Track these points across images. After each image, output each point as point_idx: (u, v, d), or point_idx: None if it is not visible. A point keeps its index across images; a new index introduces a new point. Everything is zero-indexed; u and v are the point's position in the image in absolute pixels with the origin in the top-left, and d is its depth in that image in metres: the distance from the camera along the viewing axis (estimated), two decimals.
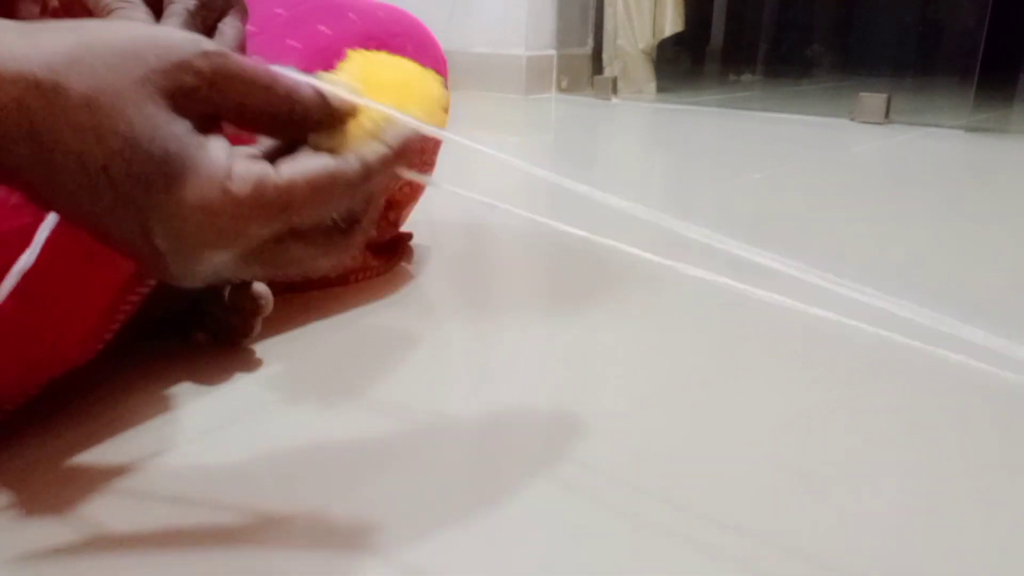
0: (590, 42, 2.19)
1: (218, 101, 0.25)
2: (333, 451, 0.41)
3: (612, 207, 0.29)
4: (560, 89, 2.13)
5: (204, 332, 0.53)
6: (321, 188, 0.25)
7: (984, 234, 0.89)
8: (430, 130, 0.27)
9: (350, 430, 0.44)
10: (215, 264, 0.26)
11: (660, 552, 0.34)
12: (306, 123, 0.27)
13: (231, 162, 0.25)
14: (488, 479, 0.40)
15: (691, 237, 0.29)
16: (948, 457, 0.42)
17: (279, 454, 0.41)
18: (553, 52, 2.10)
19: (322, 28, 0.56)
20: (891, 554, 0.34)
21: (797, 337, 0.58)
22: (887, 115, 1.66)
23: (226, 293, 0.50)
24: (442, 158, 0.67)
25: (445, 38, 0.70)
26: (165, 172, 0.24)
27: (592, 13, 2.16)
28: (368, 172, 0.26)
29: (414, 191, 0.68)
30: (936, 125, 1.65)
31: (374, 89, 0.27)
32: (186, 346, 0.52)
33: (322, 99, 0.27)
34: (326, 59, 0.55)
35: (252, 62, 0.26)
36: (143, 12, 0.31)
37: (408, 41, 0.62)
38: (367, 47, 0.58)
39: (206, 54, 0.24)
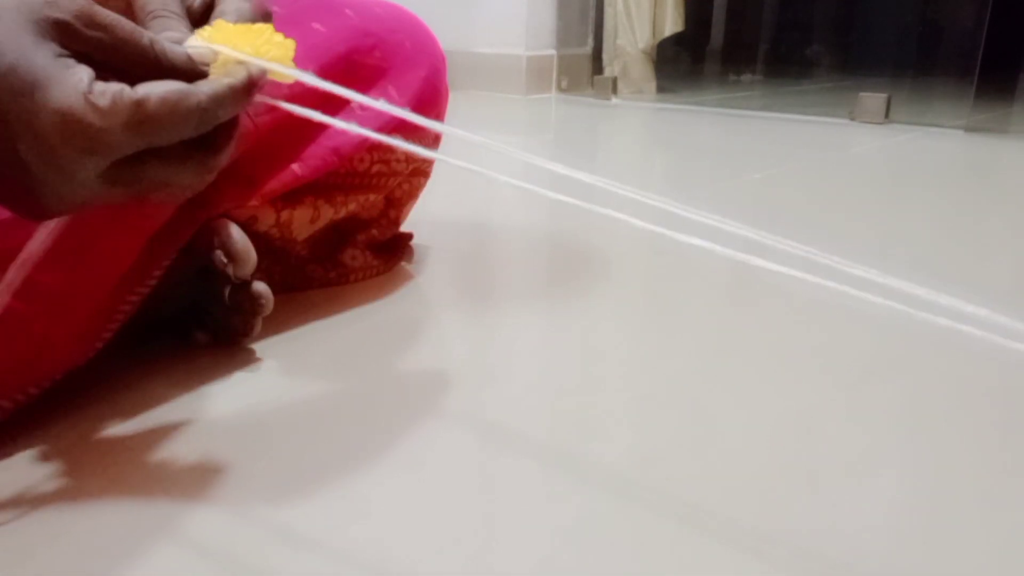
0: (590, 42, 2.19)
1: (91, 40, 0.29)
2: (331, 451, 0.41)
3: (611, 198, 0.29)
4: (560, 89, 2.12)
5: (204, 332, 0.53)
6: (172, 104, 0.29)
7: (984, 234, 0.89)
8: (273, 66, 0.32)
9: (349, 429, 0.43)
10: (80, 182, 0.29)
11: (660, 552, 0.34)
12: (173, 73, 0.30)
13: (93, 80, 0.28)
14: (487, 479, 0.39)
15: (692, 222, 0.29)
16: (951, 456, 0.42)
17: (278, 453, 0.41)
18: (553, 52, 2.09)
19: (316, 26, 0.56)
20: (893, 554, 0.34)
21: (799, 336, 0.58)
22: (887, 115, 1.66)
23: (226, 293, 0.50)
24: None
25: (445, 37, 0.70)
26: (29, 79, 0.27)
27: (592, 13, 2.16)
28: (215, 96, 0.30)
29: (413, 188, 0.67)
30: (936, 125, 1.65)
31: (227, 44, 0.32)
32: (186, 346, 0.52)
33: (184, 54, 0.31)
34: (317, 57, 0.55)
35: (115, 15, 0.30)
36: (182, 25, 0.33)
37: (406, 38, 0.61)
38: (364, 44, 0.59)
39: None
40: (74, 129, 0.27)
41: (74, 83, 0.28)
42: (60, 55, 0.28)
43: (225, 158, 0.33)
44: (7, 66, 0.27)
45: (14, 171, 0.28)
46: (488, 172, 0.32)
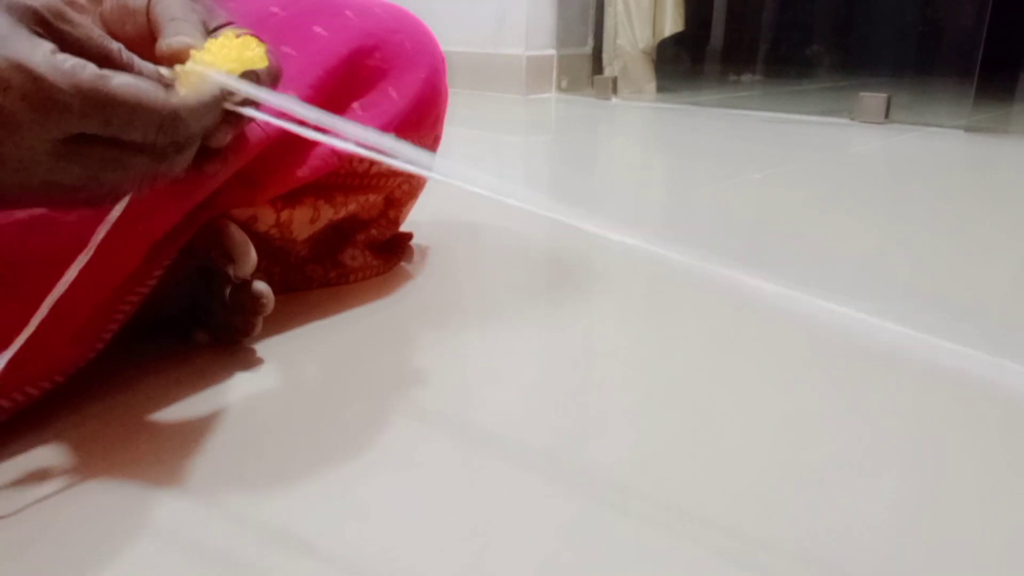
0: (590, 42, 2.19)
1: (59, 31, 0.29)
2: (331, 451, 0.41)
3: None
4: (560, 89, 2.12)
5: (204, 332, 0.53)
6: (136, 92, 0.29)
7: (984, 234, 0.89)
8: (237, 84, 0.32)
9: (349, 430, 0.43)
10: (30, 150, 0.28)
11: (660, 553, 0.34)
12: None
13: (57, 51, 0.28)
14: (487, 479, 0.39)
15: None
16: (950, 457, 0.42)
17: (278, 453, 0.41)
18: (553, 52, 2.10)
19: (318, 29, 0.56)
20: (892, 555, 0.34)
21: (798, 338, 0.58)
22: (887, 115, 1.66)
23: (226, 293, 0.50)
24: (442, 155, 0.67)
25: (445, 37, 0.70)
26: None
27: (592, 13, 2.16)
28: (184, 105, 0.31)
29: (413, 189, 0.68)
30: (936, 125, 1.65)
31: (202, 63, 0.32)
32: (186, 346, 0.52)
33: (154, 68, 0.31)
34: (321, 62, 0.55)
35: (85, 20, 0.30)
36: (197, 32, 0.33)
37: (406, 39, 0.61)
38: (365, 45, 0.59)
39: None
40: (29, 81, 0.27)
41: (37, 43, 0.27)
42: (31, 32, 0.28)
43: (188, 156, 0.33)
44: None
45: None
46: (479, 190, 0.32)
